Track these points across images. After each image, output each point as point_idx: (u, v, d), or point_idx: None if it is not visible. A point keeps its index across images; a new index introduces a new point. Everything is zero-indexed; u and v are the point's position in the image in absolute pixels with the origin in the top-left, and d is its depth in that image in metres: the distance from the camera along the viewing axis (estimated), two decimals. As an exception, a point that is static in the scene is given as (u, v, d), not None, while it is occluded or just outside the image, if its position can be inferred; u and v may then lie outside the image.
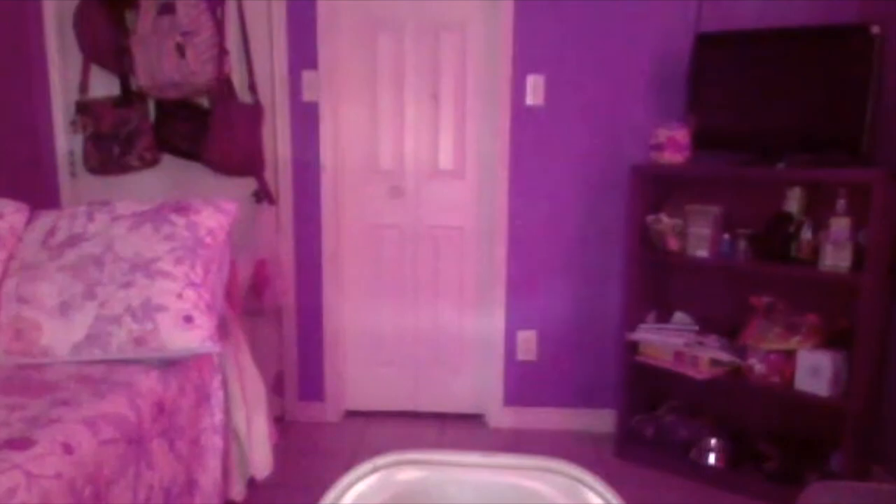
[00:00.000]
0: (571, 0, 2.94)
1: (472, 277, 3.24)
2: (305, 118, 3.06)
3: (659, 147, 2.73)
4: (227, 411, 2.22)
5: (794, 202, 2.63)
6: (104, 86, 3.00)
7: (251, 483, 2.39)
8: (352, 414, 3.33)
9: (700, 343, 2.77)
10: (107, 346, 1.99)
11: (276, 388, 3.16)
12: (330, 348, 3.23)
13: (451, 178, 3.17)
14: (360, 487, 0.85)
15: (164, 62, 2.80)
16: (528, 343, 3.19)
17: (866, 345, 2.43)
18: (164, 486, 1.85)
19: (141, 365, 1.97)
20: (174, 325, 2.01)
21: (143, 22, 2.84)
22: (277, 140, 3.07)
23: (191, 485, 2.02)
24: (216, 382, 2.15)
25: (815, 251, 2.50)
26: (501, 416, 3.24)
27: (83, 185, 3.10)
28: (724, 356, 2.70)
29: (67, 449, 1.48)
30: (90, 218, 2.20)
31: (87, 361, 1.98)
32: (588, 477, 0.86)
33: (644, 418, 2.97)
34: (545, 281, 3.14)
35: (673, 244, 2.78)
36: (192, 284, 2.07)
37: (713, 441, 2.79)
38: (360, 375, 3.33)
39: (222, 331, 2.22)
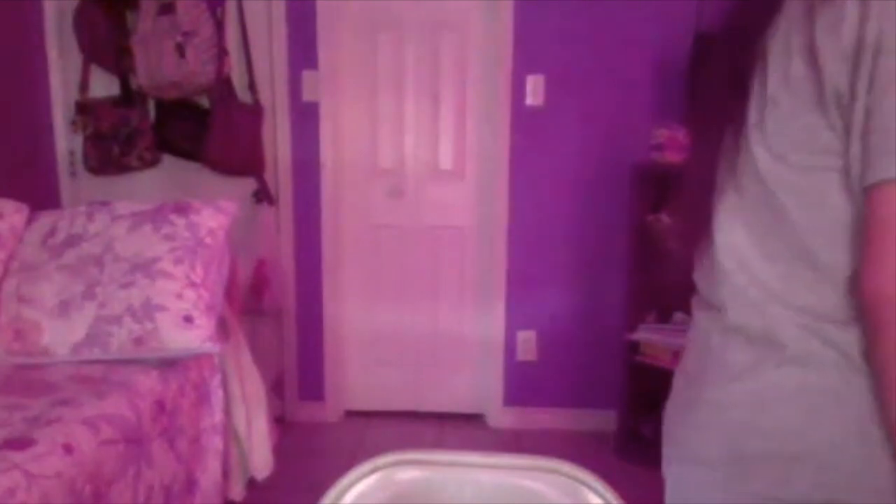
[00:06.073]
0: (571, 0, 2.94)
1: (472, 277, 3.24)
2: (305, 118, 3.06)
3: (659, 147, 2.73)
4: (227, 411, 2.23)
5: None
6: (104, 86, 3.00)
7: (251, 483, 2.38)
8: (352, 414, 3.32)
9: (700, 343, 2.76)
10: (107, 346, 1.99)
11: (276, 388, 3.16)
12: (330, 348, 3.23)
13: (451, 178, 3.17)
14: (360, 487, 0.85)
15: (164, 62, 2.80)
16: (527, 343, 3.19)
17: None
18: (165, 485, 1.85)
19: (141, 365, 1.97)
20: (174, 325, 2.01)
21: (143, 22, 2.84)
22: (277, 140, 3.07)
23: (191, 485, 2.02)
24: (216, 382, 2.15)
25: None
26: (501, 416, 3.24)
27: (83, 185, 3.10)
28: (724, 356, 2.69)
29: (67, 449, 1.48)
30: (90, 218, 2.20)
31: (87, 361, 1.98)
32: (588, 477, 0.86)
33: (644, 418, 2.97)
34: (545, 281, 3.14)
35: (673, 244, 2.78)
36: (192, 284, 2.07)
37: (713, 441, 2.78)
38: (360, 375, 3.33)
39: (222, 331, 2.22)
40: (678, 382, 0.97)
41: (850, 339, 0.75)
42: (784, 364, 0.78)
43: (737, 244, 0.82)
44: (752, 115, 0.79)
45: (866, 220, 0.71)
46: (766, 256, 0.80)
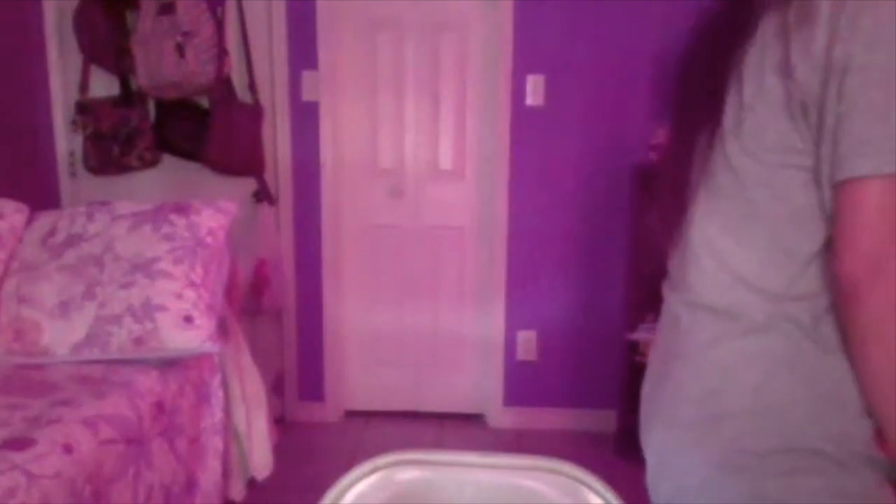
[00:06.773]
0: (571, 0, 2.94)
1: (472, 277, 3.23)
2: (305, 118, 3.06)
3: (659, 147, 2.73)
4: (227, 411, 2.23)
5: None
6: (104, 86, 3.00)
7: (251, 483, 2.39)
8: (352, 414, 3.32)
9: (700, 343, 2.76)
10: (107, 346, 1.99)
11: (276, 388, 3.16)
12: (330, 348, 3.23)
13: (451, 178, 3.17)
14: (360, 487, 0.86)
15: (164, 62, 2.80)
16: (528, 343, 3.19)
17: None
18: (165, 485, 1.85)
19: (141, 365, 1.97)
20: (174, 324, 2.01)
21: (143, 22, 2.84)
22: (277, 140, 3.06)
23: (191, 485, 2.02)
24: (216, 382, 2.15)
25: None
26: (501, 416, 3.24)
27: (83, 185, 3.10)
28: (724, 356, 2.70)
29: (67, 449, 1.48)
30: (90, 218, 2.20)
31: (87, 361, 1.98)
32: (588, 477, 0.86)
33: (644, 418, 2.97)
34: (545, 281, 3.14)
35: (673, 244, 2.78)
36: (192, 284, 2.07)
37: (713, 441, 2.79)
38: (360, 375, 3.33)
39: (222, 331, 2.22)
40: (653, 359, 1.08)
41: (803, 312, 0.87)
42: (746, 334, 0.89)
43: (709, 233, 0.94)
44: (728, 120, 0.89)
45: (837, 212, 0.82)
46: (737, 243, 0.91)
